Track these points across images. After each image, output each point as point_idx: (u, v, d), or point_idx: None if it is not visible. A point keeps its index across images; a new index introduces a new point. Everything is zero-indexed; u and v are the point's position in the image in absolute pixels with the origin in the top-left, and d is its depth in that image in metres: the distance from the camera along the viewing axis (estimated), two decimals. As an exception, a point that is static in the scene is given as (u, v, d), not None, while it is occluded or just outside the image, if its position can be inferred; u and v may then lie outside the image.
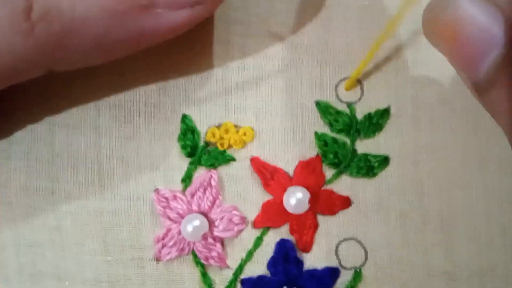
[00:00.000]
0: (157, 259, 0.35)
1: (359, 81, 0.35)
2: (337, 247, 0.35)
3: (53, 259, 0.36)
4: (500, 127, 0.26)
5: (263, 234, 0.35)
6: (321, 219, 0.35)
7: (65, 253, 0.36)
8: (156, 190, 0.35)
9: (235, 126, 0.35)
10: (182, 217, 0.35)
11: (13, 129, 0.36)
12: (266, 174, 0.35)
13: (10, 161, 0.36)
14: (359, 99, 0.35)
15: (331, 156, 0.35)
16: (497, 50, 0.24)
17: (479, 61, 0.25)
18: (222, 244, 0.35)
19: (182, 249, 0.35)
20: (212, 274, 0.36)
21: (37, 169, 0.36)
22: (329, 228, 0.35)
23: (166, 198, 0.35)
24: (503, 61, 0.24)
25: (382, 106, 0.35)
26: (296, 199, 0.34)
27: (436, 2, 0.27)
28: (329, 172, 0.35)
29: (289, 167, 0.35)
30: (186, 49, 0.36)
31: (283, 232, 0.35)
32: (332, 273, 0.35)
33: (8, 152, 0.36)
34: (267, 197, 0.35)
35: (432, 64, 0.35)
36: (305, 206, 0.34)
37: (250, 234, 0.35)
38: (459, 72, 0.27)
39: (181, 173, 0.36)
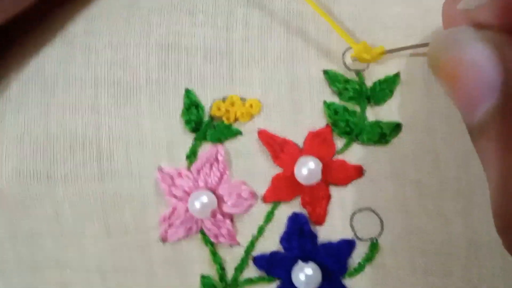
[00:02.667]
0: (164, 239, 0.34)
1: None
2: (351, 218, 0.34)
3: (53, 248, 0.34)
4: (485, 173, 0.26)
5: (274, 208, 0.34)
6: (333, 190, 0.34)
7: (66, 240, 0.34)
8: (160, 168, 0.34)
9: (241, 98, 0.34)
10: (188, 194, 0.34)
11: (5, 111, 0.35)
12: (275, 146, 0.34)
13: (2, 145, 0.34)
14: (368, 66, 0.34)
15: (342, 124, 0.34)
16: (492, 100, 0.24)
17: (475, 106, 0.25)
18: (232, 220, 0.34)
19: (190, 228, 0.34)
20: (223, 253, 0.34)
21: (31, 153, 0.34)
22: (342, 198, 0.34)
23: (171, 176, 0.34)
24: (496, 112, 0.24)
25: (391, 72, 0.34)
26: (308, 169, 0.33)
27: (441, 41, 0.27)
28: (340, 142, 0.34)
29: (299, 139, 0.34)
30: (187, 22, 0.35)
31: (295, 206, 0.34)
32: (348, 246, 0.33)
33: (0, 137, 0.34)
34: (277, 170, 0.34)
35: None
36: (318, 176, 0.33)
37: (260, 209, 0.34)
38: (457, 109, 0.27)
39: (185, 150, 0.34)
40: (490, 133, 0.24)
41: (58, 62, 0.35)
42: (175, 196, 0.34)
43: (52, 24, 0.35)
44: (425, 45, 0.32)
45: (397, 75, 0.34)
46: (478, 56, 0.25)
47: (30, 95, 0.35)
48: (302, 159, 0.33)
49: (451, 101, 0.33)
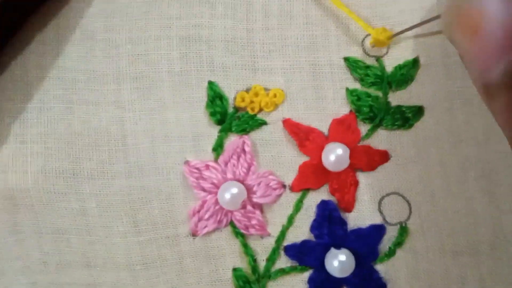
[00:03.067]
0: (194, 234, 0.34)
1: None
2: (380, 203, 0.34)
3: (79, 245, 0.34)
4: (503, 132, 0.25)
5: (302, 197, 0.34)
6: (360, 175, 0.34)
7: (92, 238, 0.34)
8: (186, 162, 0.34)
9: (264, 88, 0.34)
10: (217, 187, 0.33)
11: (27, 110, 0.34)
12: (301, 134, 0.34)
13: (26, 144, 0.34)
14: (387, 52, 0.35)
15: (366, 110, 0.34)
16: None
17: (495, 61, 0.24)
18: (261, 211, 0.34)
19: (220, 221, 0.33)
20: (253, 244, 0.34)
21: (56, 151, 0.34)
22: (370, 184, 0.34)
23: (198, 169, 0.34)
24: None
25: (410, 56, 0.35)
26: (335, 155, 0.33)
27: None
28: (364, 128, 0.34)
29: (323, 126, 0.34)
30: (206, 13, 0.35)
31: (323, 193, 0.34)
32: (378, 231, 0.34)
33: (23, 136, 0.34)
34: (303, 158, 0.34)
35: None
36: (346, 161, 0.33)
37: (289, 199, 0.34)
38: (470, 71, 0.26)
39: (211, 142, 0.34)
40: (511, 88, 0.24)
41: (79, 58, 0.34)
42: (203, 189, 0.33)
43: (71, 20, 0.35)
44: (433, 19, 0.32)
45: (416, 59, 0.34)
46: (505, 7, 0.23)
47: (52, 92, 0.34)
48: (329, 146, 0.34)
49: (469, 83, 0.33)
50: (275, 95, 0.34)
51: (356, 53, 0.35)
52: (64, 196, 0.34)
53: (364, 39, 0.35)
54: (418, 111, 0.34)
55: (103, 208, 0.34)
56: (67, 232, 0.34)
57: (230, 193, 0.33)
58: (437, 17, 0.32)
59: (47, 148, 0.34)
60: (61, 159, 0.34)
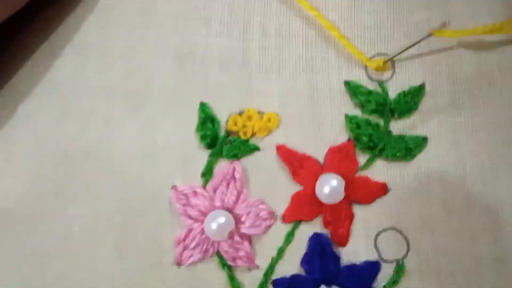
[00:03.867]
0: (178, 263, 0.32)
1: (390, 59, 0.33)
2: (376, 238, 0.32)
3: (61, 269, 0.32)
4: None
5: (294, 228, 0.32)
6: (356, 208, 0.32)
7: (75, 262, 0.32)
8: (174, 187, 0.32)
9: (258, 112, 0.32)
10: (204, 214, 0.32)
11: (14, 127, 0.33)
12: (295, 162, 0.32)
13: (11, 162, 0.32)
14: (391, 77, 0.33)
15: (365, 139, 0.32)
16: None
17: None
18: (250, 242, 0.32)
19: (206, 251, 0.32)
20: (241, 277, 0.32)
21: (41, 170, 0.32)
22: (366, 218, 0.32)
23: (186, 195, 0.32)
24: None
25: (416, 83, 0.33)
26: (330, 187, 0.31)
27: None
28: (362, 158, 0.32)
29: (319, 154, 0.32)
30: (203, 31, 0.33)
31: (316, 225, 0.32)
32: (372, 268, 0.32)
33: (8, 152, 0.32)
34: (297, 187, 0.32)
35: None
36: (341, 194, 0.31)
37: (279, 230, 0.32)
38: None
39: (200, 167, 0.32)
40: None
41: (70, 72, 0.33)
42: (190, 217, 0.32)
43: (64, 32, 0.33)
44: (425, 38, 0.31)
45: (422, 86, 0.32)
46: None
47: (42, 107, 0.33)
48: (323, 177, 0.32)
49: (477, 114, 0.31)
50: (269, 120, 0.32)
51: (358, 76, 0.33)
52: (47, 217, 0.32)
53: (367, 63, 0.33)
54: (422, 142, 0.32)
55: (86, 232, 0.32)
56: (51, 255, 0.32)
57: (217, 222, 0.31)
58: (429, 35, 0.31)
59: (32, 166, 0.32)
60: (47, 177, 0.32)
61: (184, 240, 0.32)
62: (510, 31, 0.31)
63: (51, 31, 0.33)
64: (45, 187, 0.32)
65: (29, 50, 0.33)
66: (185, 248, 0.32)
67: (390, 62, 0.33)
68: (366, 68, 0.33)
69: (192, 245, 0.32)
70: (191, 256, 0.32)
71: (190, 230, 0.32)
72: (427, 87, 0.32)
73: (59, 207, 0.32)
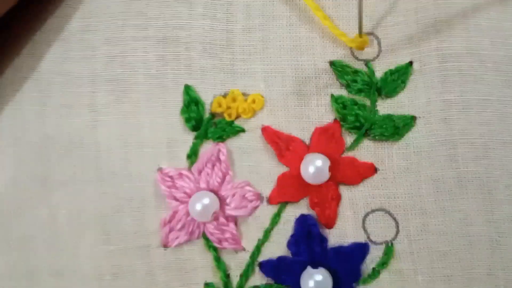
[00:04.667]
0: (165, 245, 0.32)
1: (375, 36, 0.32)
2: (364, 219, 0.31)
3: (48, 254, 0.32)
4: None
5: (280, 210, 0.32)
6: (344, 189, 0.32)
7: (62, 246, 0.32)
8: (160, 169, 0.32)
9: (243, 93, 0.32)
10: (189, 196, 0.32)
11: (0, 113, 0.33)
12: (280, 143, 0.32)
13: None
14: (377, 55, 0.32)
15: (351, 119, 0.31)
16: None
17: None
18: (236, 224, 0.32)
19: (192, 232, 0.32)
20: (227, 258, 0.32)
21: (27, 156, 0.33)
22: (353, 199, 0.31)
23: (171, 177, 0.32)
24: None
25: (403, 61, 0.32)
26: (315, 167, 0.31)
27: None
28: (349, 138, 0.32)
29: (305, 135, 0.32)
30: (185, 14, 0.33)
31: (302, 207, 0.32)
32: (360, 249, 0.31)
33: None
34: (283, 169, 0.32)
35: (456, 11, 0.32)
36: (326, 174, 0.31)
37: (266, 211, 0.32)
38: None
39: (186, 149, 0.32)
40: None
41: (54, 59, 0.33)
42: (175, 199, 0.32)
43: (47, 21, 0.34)
44: None
45: (409, 64, 0.32)
46: None
47: (26, 95, 0.33)
48: (308, 157, 0.31)
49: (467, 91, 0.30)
50: (253, 101, 0.32)
51: (343, 56, 0.32)
52: (33, 202, 0.33)
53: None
54: (410, 121, 0.31)
55: (73, 216, 0.32)
56: (35, 240, 0.32)
57: (202, 203, 0.31)
58: None
59: (18, 152, 0.33)
60: (33, 164, 0.33)
61: (169, 222, 0.32)
62: None
63: (36, 20, 0.34)
64: (31, 174, 0.33)
65: (13, 38, 0.34)
66: (171, 230, 0.32)
67: (376, 41, 0.32)
68: (351, 48, 0.32)
69: (178, 226, 0.32)
70: (177, 238, 0.32)
71: (175, 212, 0.32)
72: (415, 65, 0.32)
73: (46, 193, 0.32)
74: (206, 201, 0.31)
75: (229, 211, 0.32)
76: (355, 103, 0.32)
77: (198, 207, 0.31)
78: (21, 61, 0.34)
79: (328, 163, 0.31)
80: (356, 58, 0.32)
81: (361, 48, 0.32)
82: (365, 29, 0.32)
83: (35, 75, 0.33)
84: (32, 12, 0.34)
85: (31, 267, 0.32)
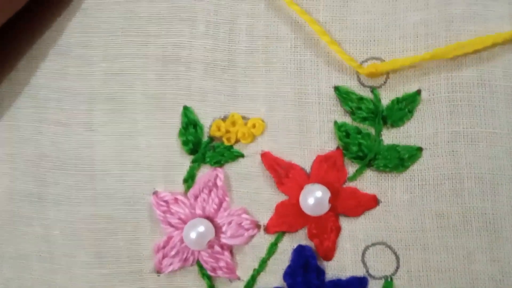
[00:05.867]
0: (158, 271, 0.31)
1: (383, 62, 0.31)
2: (363, 253, 0.30)
3: (41, 272, 0.32)
4: None
5: (277, 239, 0.31)
6: (344, 221, 0.31)
7: (55, 266, 0.32)
8: (155, 193, 0.31)
9: (243, 117, 0.31)
10: (184, 222, 0.31)
11: None
12: (280, 171, 0.31)
13: None
14: (384, 82, 0.31)
15: (354, 148, 0.30)
16: None
17: None
18: (231, 252, 0.31)
19: (186, 259, 0.31)
20: (221, 287, 0.31)
21: (23, 173, 0.32)
22: (353, 231, 0.30)
23: (166, 202, 0.31)
24: None
25: (411, 89, 0.30)
26: (314, 198, 0.30)
27: None
28: (351, 167, 0.31)
29: (306, 163, 0.31)
30: (187, 32, 0.32)
31: (300, 237, 0.31)
32: (359, 284, 0.30)
33: None
34: (281, 197, 0.31)
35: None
36: (325, 206, 0.30)
37: (262, 240, 0.31)
38: None
39: (182, 173, 0.31)
40: None
41: (52, 75, 0.33)
42: (170, 224, 0.31)
43: (45, 34, 0.33)
44: None
45: (417, 93, 0.30)
46: None
47: (22, 110, 0.33)
48: (308, 187, 0.30)
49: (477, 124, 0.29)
50: (254, 126, 0.31)
51: (349, 81, 0.31)
52: (28, 220, 0.32)
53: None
54: (416, 152, 0.30)
55: (67, 236, 0.32)
56: (29, 258, 0.32)
57: (196, 231, 0.30)
58: None
59: (14, 168, 0.32)
60: (28, 181, 0.32)
61: (163, 248, 0.31)
62: None
63: (34, 34, 0.33)
64: (27, 189, 0.32)
65: (11, 51, 0.33)
66: (164, 256, 0.31)
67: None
68: (357, 73, 0.31)
69: (172, 253, 0.31)
70: (171, 264, 0.31)
71: (170, 238, 0.31)
72: (423, 94, 0.30)
73: (41, 210, 0.32)
74: (201, 229, 0.30)
75: (225, 239, 0.31)
76: (359, 131, 0.31)
77: (193, 235, 0.30)
78: (17, 75, 0.33)
79: (328, 194, 0.30)
80: (362, 84, 0.31)
81: (374, 75, 0.30)
82: (373, 54, 0.31)
83: (32, 90, 0.33)
84: (30, 24, 0.33)
85: (24, 286, 0.32)
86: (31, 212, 0.32)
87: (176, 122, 0.32)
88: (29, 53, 0.33)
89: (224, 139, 0.31)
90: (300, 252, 0.31)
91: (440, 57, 0.30)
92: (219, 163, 0.31)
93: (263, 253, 0.31)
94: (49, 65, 0.33)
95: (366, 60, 0.31)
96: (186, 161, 0.31)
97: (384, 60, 0.31)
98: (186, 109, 0.31)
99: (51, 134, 0.32)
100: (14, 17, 0.32)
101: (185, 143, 0.31)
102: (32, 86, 0.33)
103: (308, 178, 0.31)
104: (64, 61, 0.32)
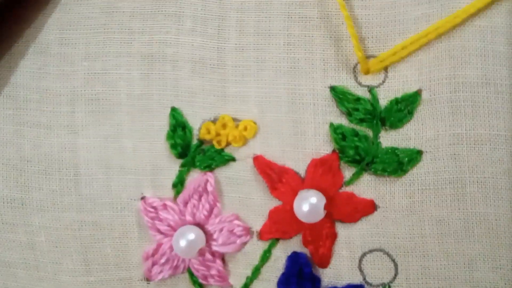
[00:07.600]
0: (148, 279, 0.30)
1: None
2: (360, 260, 0.29)
3: (27, 280, 0.31)
4: None
5: (271, 246, 0.30)
6: (340, 227, 0.30)
7: (40, 273, 0.31)
8: (143, 198, 0.30)
9: (234, 119, 0.30)
10: (174, 229, 0.30)
11: None
12: (273, 175, 0.29)
13: None
14: (383, 82, 0.29)
15: (350, 152, 0.29)
16: None
17: None
18: (223, 260, 0.30)
19: (176, 267, 0.30)
20: (213, 295, 0.30)
21: (4, 178, 0.31)
22: (350, 237, 0.29)
23: (155, 208, 0.30)
24: None
25: (411, 89, 0.29)
26: (309, 204, 0.29)
27: None
28: (348, 171, 0.29)
29: (300, 167, 0.30)
30: (173, 28, 0.30)
31: (295, 244, 0.30)
32: (355, 292, 0.29)
33: None
34: (275, 203, 0.30)
35: (471, 36, 0.29)
36: (321, 213, 0.29)
37: (255, 247, 0.30)
38: None
39: (171, 177, 0.30)
40: None
41: (31, 74, 0.31)
42: (159, 231, 0.30)
43: (24, 32, 0.31)
44: None
45: (417, 93, 0.29)
46: None
47: (1, 112, 0.31)
48: (302, 193, 0.29)
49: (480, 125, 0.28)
50: (245, 128, 0.30)
51: (345, 81, 0.29)
52: (12, 227, 0.31)
53: (356, 65, 0.29)
54: (416, 156, 0.29)
55: (52, 243, 0.31)
56: (14, 265, 0.31)
57: (186, 239, 0.29)
58: None
59: None
60: (10, 187, 0.31)
61: (153, 255, 0.30)
62: None
63: (12, 31, 0.31)
64: (10, 194, 0.31)
65: None
66: (154, 264, 0.30)
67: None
68: (354, 72, 0.29)
69: (162, 261, 0.30)
70: (160, 272, 0.30)
71: (159, 245, 0.30)
72: (424, 94, 0.29)
73: (25, 216, 0.31)
74: (191, 236, 0.29)
75: (216, 247, 0.30)
76: (355, 133, 0.29)
77: (182, 243, 0.29)
78: None
79: (323, 200, 0.29)
80: (360, 84, 0.29)
81: (369, 72, 0.29)
82: (371, 51, 0.29)
83: (11, 90, 0.31)
84: (7, 21, 0.31)
85: None
86: (14, 218, 0.31)
87: (163, 124, 0.30)
88: (7, 52, 0.31)
89: (215, 142, 0.30)
90: (294, 260, 0.30)
91: (445, 28, 0.28)
92: (209, 168, 0.30)
93: (256, 260, 0.30)
94: (28, 64, 0.31)
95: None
96: (174, 165, 0.30)
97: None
98: (174, 110, 0.30)
99: (32, 137, 0.31)
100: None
101: (173, 146, 0.30)
102: (11, 86, 0.31)
103: (303, 183, 0.29)
104: (44, 59, 0.31)
